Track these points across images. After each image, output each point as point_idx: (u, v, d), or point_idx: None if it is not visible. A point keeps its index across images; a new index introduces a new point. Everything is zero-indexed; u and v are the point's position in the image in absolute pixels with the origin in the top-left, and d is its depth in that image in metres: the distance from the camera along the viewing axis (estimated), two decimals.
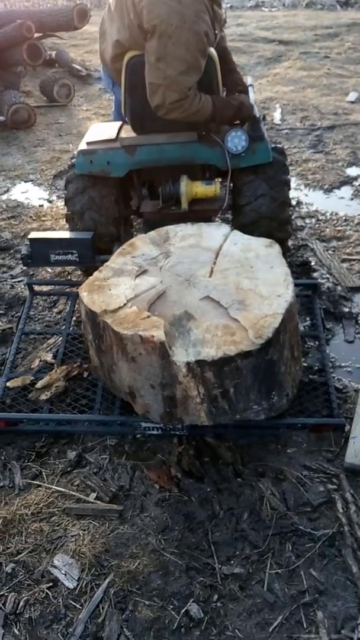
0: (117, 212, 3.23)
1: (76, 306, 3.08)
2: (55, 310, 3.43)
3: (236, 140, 2.93)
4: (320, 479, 2.27)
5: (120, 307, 2.28)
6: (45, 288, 3.47)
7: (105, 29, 2.98)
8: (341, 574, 1.95)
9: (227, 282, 2.38)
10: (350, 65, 8.40)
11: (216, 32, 2.80)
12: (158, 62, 2.64)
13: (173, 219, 2.95)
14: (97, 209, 3.17)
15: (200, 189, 3.06)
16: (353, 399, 2.62)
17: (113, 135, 3.14)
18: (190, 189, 3.04)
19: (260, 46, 9.68)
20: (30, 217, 4.60)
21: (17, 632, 1.86)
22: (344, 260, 3.73)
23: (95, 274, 2.53)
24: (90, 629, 1.85)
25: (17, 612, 1.92)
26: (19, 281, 3.76)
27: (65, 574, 2.01)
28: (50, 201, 4.94)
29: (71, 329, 3.03)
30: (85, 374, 2.77)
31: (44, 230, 4.30)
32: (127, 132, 3.16)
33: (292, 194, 4.42)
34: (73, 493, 2.29)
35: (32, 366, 2.87)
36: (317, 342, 2.90)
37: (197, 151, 3.02)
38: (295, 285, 2.47)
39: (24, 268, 3.80)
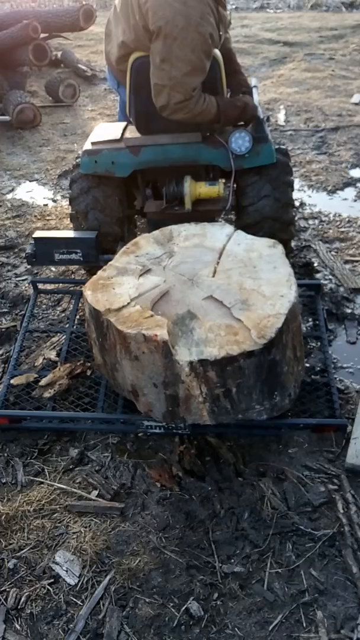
0: (121, 212, 3.24)
1: (80, 305, 3.10)
2: (59, 309, 3.44)
3: (240, 141, 2.95)
4: (321, 479, 2.28)
5: (123, 306, 2.29)
6: (49, 286, 3.49)
7: (110, 30, 3.00)
8: (341, 574, 1.96)
9: (231, 282, 2.39)
10: (354, 67, 8.40)
11: (221, 33, 2.82)
12: (163, 63, 2.66)
13: (177, 219, 2.96)
14: (101, 208, 3.18)
15: (204, 189, 3.07)
16: (355, 400, 2.63)
17: (118, 135, 3.16)
18: (194, 189, 3.06)
19: (264, 47, 9.69)
20: (35, 216, 4.62)
21: (18, 627, 1.88)
22: (346, 262, 3.74)
23: (99, 272, 2.54)
24: (91, 625, 1.87)
25: (19, 607, 1.93)
26: (23, 280, 3.78)
27: (66, 571, 2.02)
28: (54, 200, 4.96)
29: (75, 327, 3.05)
30: (89, 372, 2.79)
31: (49, 229, 4.32)
32: (132, 133, 3.18)
33: (296, 195, 4.45)
34: (75, 490, 2.30)
35: (35, 364, 2.88)
36: (319, 343, 2.90)
37: (201, 152, 3.04)
38: (298, 285, 2.48)
39: (28, 267, 3.82)
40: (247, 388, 2.15)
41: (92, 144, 3.13)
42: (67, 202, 3.50)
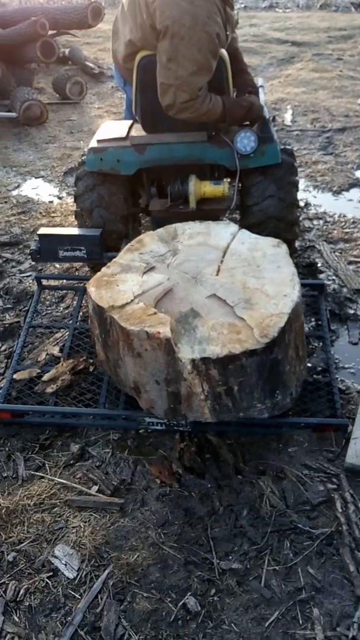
0: (125, 210, 3.26)
1: (83, 301, 3.11)
2: (62, 305, 3.46)
3: (245, 141, 2.96)
4: (320, 479, 2.29)
5: (127, 303, 2.31)
6: (53, 283, 3.50)
7: (117, 29, 3.02)
8: (338, 572, 1.98)
9: (234, 280, 2.40)
10: None
11: (228, 33, 2.83)
12: (169, 63, 2.67)
13: (181, 217, 2.97)
14: (106, 206, 3.20)
15: (209, 188, 3.08)
16: (356, 400, 2.64)
17: (123, 133, 3.17)
18: (199, 188, 3.07)
19: (273, 47, 9.69)
20: (40, 213, 4.64)
21: (16, 620, 1.90)
22: (350, 263, 3.74)
23: (103, 269, 2.56)
24: (89, 618, 1.89)
25: (18, 600, 1.95)
26: (27, 276, 3.80)
27: (65, 564, 2.04)
28: (60, 198, 4.97)
29: (78, 323, 3.06)
30: (91, 369, 2.81)
31: (54, 226, 4.34)
32: (138, 131, 3.19)
33: (301, 195, 4.45)
34: (75, 485, 2.32)
35: (38, 359, 2.90)
36: (322, 343, 2.91)
37: (207, 151, 3.05)
38: (302, 285, 2.49)
39: (33, 263, 3.84)
40: (249, 386, 2.16)
41: (98, 141, 3.15)
42: (73, 200, 3.51)
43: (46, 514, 2.23)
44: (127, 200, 3.27)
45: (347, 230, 4.16)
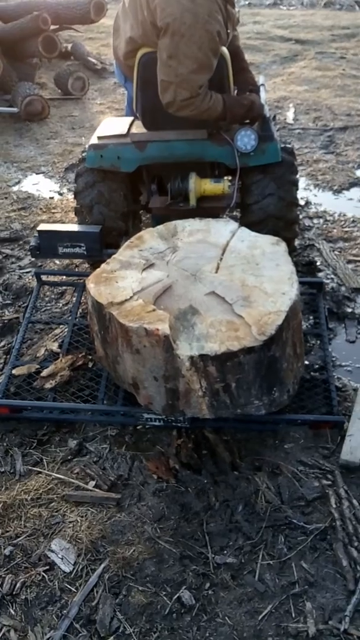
0: (125, 207, 3.27)
1: (83, 297, 3.13)
2: (62, 302, 3.47)
3: (246, 139, 2.97)
4: (315, 475, 2.31)
5: (126, 300, 2.32)
6: (52, 278, 3.52)
7: (119, 25, 3.03)
8: (331, 567, 2.00)
9: (233, 278, 2.41)
10: None
11: (229, 31, 2.84)
12: (170, 60, 2.68)
13: (181, 215, 2.98)
14: (106, 203, 3.21)
15: (209, 186, 3.09)
16: (352, 398, 2.66)
17: (124, 130, 3.18)
18: (199, 186, 3.08)
19: (276, 45, 9.67)
20: (41, 209, 4.65)
21: (13, 613, 1.92)
22: (349, 261, 3.76)
23: (103, 266, 2.58)
24: (84, 611, 1.91)
25: (14, 593, 1.97)
26: (27, 272, 3.81)
27: (61, 558, 2.06)
28: (60, 194, 4.98)
29: (77, 319, 3.08)
30: (90, 364, 2.82)
31: (54, 222, 4.35)
32: (138, 128, 3.20)
33: (302, 194, 4.47)
34: (72, 480, 2.34)
35: (37, 355, 2.92)
36: (319, 341, 2.93)
37: (207, 149, 3.06)
38: (300, 283, 2.50)
39: (33, 259, 3.85)
40: (247, 383, 2.18)
41: (99, 138, 3.16)
42: (73, 196, 3.52)
43: (43, 508, 2.24)
44: (127, 197, 3.28)
45: (346, 229, 4.17)
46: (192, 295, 2.35)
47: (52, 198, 4.88)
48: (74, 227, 3.26)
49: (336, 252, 3.85)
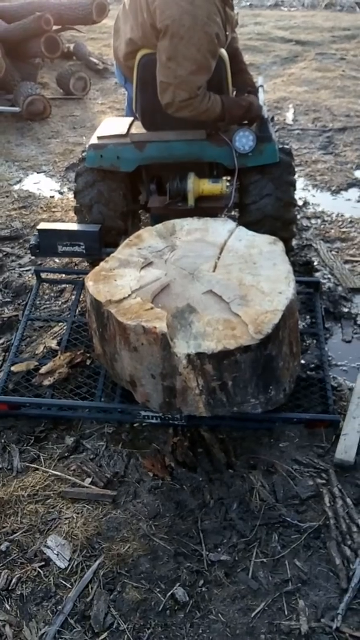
0: (125, 206, 3.29)
1: (82, 295, 3.14)
2: (61, 300, 3.49)
3: (244, 140, 2.98)
4: (309, 473, 2.32)
5: (124, 298, 2.34)
6: (52, 276, 3.53)
7: (119, 27, 3.05)
8: (324, 565, 2.01)
9: (230, 277, 2.43)
10: None
11: (227, 33, 2.85)
12: (169, 62, 2.70)
13: (180, 215, 3.00)
14: (105, 202, 3.23)
15: (207, 186, 3.11)
16: (347, 397, 2.67)
17: (124, 130, 3.20)
18: (197, 186, 3.09)
19: (276, 46, 9.69)
20: (41, 207, 4.67)
21: (8, 608, 1.94)
22: (346, 262, 3.77)
23: (102, 264, 2.59)
24: (79, 607, 1.92)
25: (9, 588, 1.99)
26: (26, 270, 3.83)
27: (57, 554, 2.08)
28: (61, 193, 5.00)
29: (76, 317, 3.09)
30: (88, 362, 2.84)
31: (54, 221, 4.37)
32: (138, 128, 3.22)
33: (300, 194, 4.49)
34: (69, 477, 2.36)
35: (36, 352, 2.94)
36: (316, 340, 2.94)
37: (205, 149, 3.07)
38: (297, 282, 2.52)
39: (33, 258, 3.87)
40: (243, 382, 2.20)
41: (98, 138, 3.18)
42: (73, 195, 3.54)
43: (40, 505, 2.26)
44: (127, 197, 3.30)
45: (344, 229, 4.19)
46: (189, 293, 2.37)
47: (52, 197, 4.90)
48: (73, 226, 3.28)
49: (333, 253, 3.87)
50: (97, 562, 2.05)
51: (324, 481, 2.28)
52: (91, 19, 7.46)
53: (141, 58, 2.89)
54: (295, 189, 3.24)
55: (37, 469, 2.41)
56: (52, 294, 3.55)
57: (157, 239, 2.75)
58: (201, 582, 1.98)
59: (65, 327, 3.06)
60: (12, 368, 2.78)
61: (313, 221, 4.32)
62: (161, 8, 2.64)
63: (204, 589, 1.96)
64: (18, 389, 2.71)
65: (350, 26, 10.84)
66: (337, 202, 4.65)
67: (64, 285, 3.58)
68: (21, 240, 4.20)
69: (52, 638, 1.84)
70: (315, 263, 3.72)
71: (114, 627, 1.87)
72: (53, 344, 2.98)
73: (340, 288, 3.48)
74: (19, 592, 1.98)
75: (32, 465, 2.44)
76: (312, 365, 2.81)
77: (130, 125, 3.27)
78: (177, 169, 3.13)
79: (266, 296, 2.31)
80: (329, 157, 5.50)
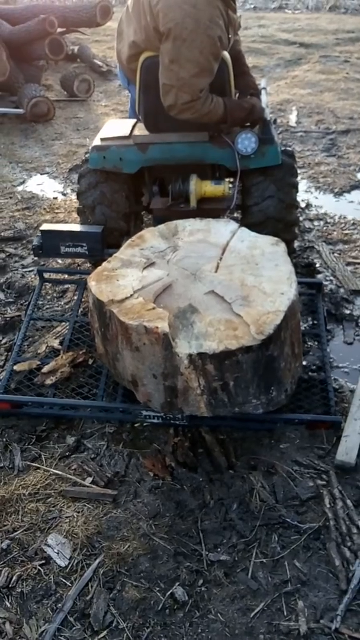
0: (127, 208, 3.30)
1: (84, 295, 3.15)
2: (63, 300, 3.50)
3: (246, 142, 2.99)
4: (310, 475, 2.33)
5: (126, 298, 2.35)
6: (54, 276, 3.54)
7: (122, 29, 3.06)
8: (324, 566, 2.02)
9: (232, 278, 2.44)
10: None
11: (230, 36, 2.86)
12: (172, 64, 2.71)
13: (182, 216, 3.00)
14: (108, 203, 3.24)
15: (210, 188, 3.12)
16: (349, 399, 2.68)
17: (127, 132, 3.21)
18: (200, 187, 3.10)
19: (280, 48, 9.71)
20: (44, 209, 4.68)
21: (8, 605, 1.95)
22: (349, 264, 3.78)
23: (104, 264, 2.60)
24: (79, 605, 1.93)
25: (10, 586, 2.00)
26: (29, 271, 3.84)
27: (57, 553, 2.09)
28: (64, 194, 5.02)
29: (78, 317, 3.10)
30: (90, 361, 2.85)
31: (57, 222, 4.39)
32: (141, 130, 3.23)
33: (303, 196, 4.50)
34: (70, 476, 2.37)
35: (39, 352, 2.95)
36: (318, 341, 2.95)
37: (208, 151, 3.08)
38: (299, 283, 2.52)
39: (35, 258, 3.88)
40: (245, 382, 2.21)
41: (102, 139, 3.19)
42: (76, 196, 3.55)
43: (41, 503, 2.27)
44: (129, 198, 3.31)
45: (346, 231, 4.19)
46: (191, 294, 2.38)
47: (55, 198, 4.92)
48: (76, 227, 3.29)
49: (336, 255, 3.88)
50: (97, 560, 2.05)
51: (324, 482, 2.29)
52: (95, 22, 7.50)
53: (144, 61, 2.90)
54: (297, 191, 3.25)
55: (38, 468, 2.42)
56: (54, 294, 3.56)
57: (160, 239, 2.76)
58: (201, 581, 1.99)
59: (67, 327, 3.07)
60: (15, 367, 2.79)
61: (315, 223, 4.33)
62: (164, 11, 2.66)
63: (203, 588, 1.97)
64: (20, 388, 2.73)
65: (354, 29, 10.86)
66: (340, 204, 4.66)
67: (66, 286, 3.59)
68: (24, 241, 4.22)
69: (51, 636, 1.85)
70: (317, 265, 3.73)
71: (113, 625, 1.87)
72: (55, 343, 2.99)
73: (342, 290, 3.49)
74: (19, 590, 1.99)
75: (34, 464, 2.45)
76: (314, 367, 2.82)
77: (133, 127, 3.28)
78: (179, 171, 3.14)
79: (268, 297, 2.31)
80: (332, 160, 5.51)
